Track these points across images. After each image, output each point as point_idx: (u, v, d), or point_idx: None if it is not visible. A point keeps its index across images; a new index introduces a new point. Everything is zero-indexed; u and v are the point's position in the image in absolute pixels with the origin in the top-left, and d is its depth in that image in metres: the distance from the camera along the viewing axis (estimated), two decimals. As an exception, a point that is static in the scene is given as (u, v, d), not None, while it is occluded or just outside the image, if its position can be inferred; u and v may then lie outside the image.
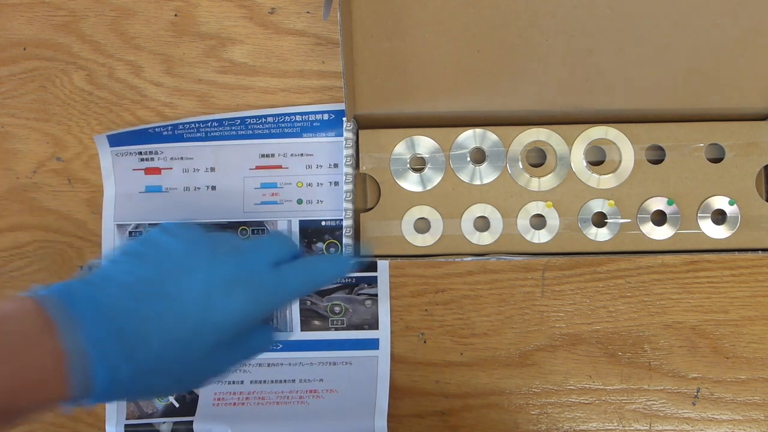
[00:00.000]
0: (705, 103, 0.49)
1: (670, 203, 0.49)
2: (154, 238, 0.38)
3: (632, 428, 0.54)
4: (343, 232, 0.48)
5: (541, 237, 0.49)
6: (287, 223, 0.54)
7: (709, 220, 0.49)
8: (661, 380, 0.54)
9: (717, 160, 0.49)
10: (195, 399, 0.54)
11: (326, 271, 0.42)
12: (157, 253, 0.37)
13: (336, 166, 0.54)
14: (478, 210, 0.50)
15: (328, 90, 0.55)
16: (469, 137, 0.50)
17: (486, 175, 0.50)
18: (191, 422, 0.54)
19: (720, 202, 0.49)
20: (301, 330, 0.55)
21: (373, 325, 0.54)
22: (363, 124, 0.51)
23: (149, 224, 0.55)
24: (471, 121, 0.50)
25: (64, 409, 0.33)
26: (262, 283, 0.38)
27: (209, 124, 0.55)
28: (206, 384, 0.39)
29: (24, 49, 0.56)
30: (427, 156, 0.50)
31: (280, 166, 0.55)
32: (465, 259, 0.49)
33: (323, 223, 0.54)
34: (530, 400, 0.55)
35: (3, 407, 0.31)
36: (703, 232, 0.49)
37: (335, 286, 0.54)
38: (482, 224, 0.50)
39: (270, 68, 0.56)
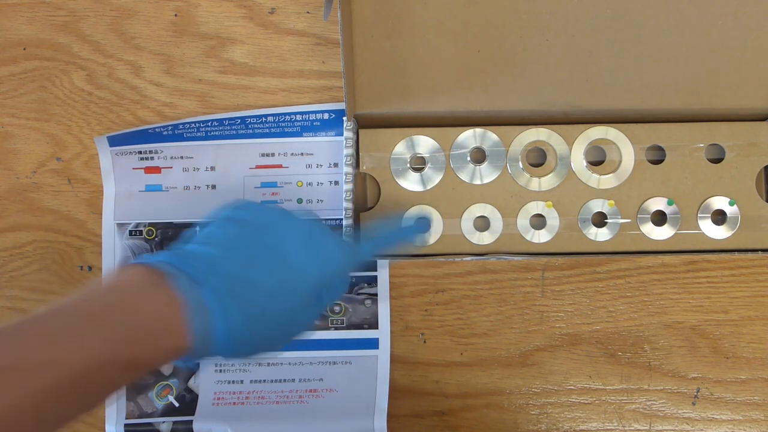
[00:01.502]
0: (705, 103, 0.49)
1: (670, 203, 0.49)
2: (242, 206, 0.40)
3: (632, 428, 0.54)
4: (343, 231, 0.48)
5: (541, 237, 0.49)
6: (287, 222, 0.54)
7: (709, 221, 0.49)
8: (661, 380, 0.54)
9: (717, 161, 0.49)
10: (195, 398, 0.54)
11: (402, 238, 0.48)
12: (253, 217, 0.39)
13: (336, 165, 0.54)
14: (478, 210, 0.50)
15: (328, 90, 0.55)
16: (469, 137, 0.50)
17: (486, 174, 0.50)
18: (191, 422, 0.54)
19: (720, 202, 0.49)
20: (301, 330, 0.54)
21: (373, 324, 0.54)
22: (363, 123, 0.51)
23: (149, 223, 0.55)
24: (471, 121, 0.50)
25: (182, 363, 0.34)
26: (353, 247, 0.43)
27: (209, 124, 0.55)
28: (302, 333, 0.41)
29: (24, 49, 0.56)
30: (427, 156, 0.50)
31: (280, 166, 0.55)
32: (465, 259, 0.49)
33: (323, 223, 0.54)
34: (530, 400, 0.54)
35: (127, 357, 0.32)
36: (703, 233, 0.49)
37: (335, 285, 0.54)
38: (482, 224, 0.50)
39: (270, 68, 0.56)
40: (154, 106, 0.56)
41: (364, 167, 0.50)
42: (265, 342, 0.38)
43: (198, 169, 0.55)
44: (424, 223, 0.49)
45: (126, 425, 0.54)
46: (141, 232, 0.55)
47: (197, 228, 0.38)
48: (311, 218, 0.41)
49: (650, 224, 0.49)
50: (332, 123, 0.55)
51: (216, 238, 0.37)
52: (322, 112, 0.55)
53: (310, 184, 0.54)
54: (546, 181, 0.50)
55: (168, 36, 0.56)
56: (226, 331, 0.34)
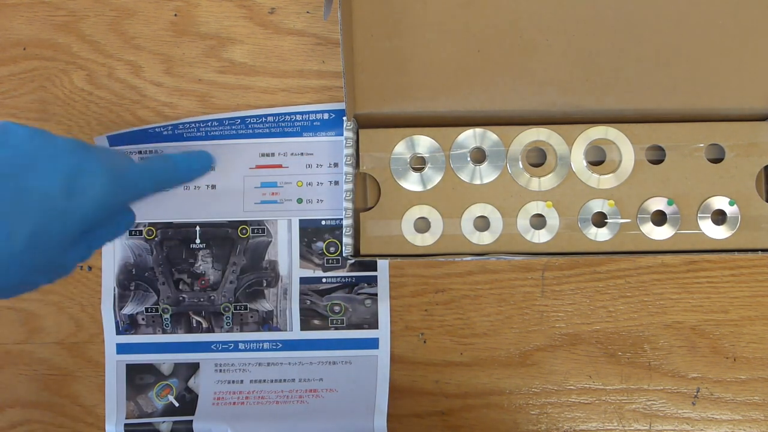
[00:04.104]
0: (705, 103, 0.49)
1: (670, 203, 0.49)
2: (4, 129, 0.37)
3: (632, 428, 0.54)
4: (343, 231, 0.48)
5: (541, 237, 0.49)
6: (287, 222, 0.54)
7: (709, 221, 0.49)
8: (661, 380, 0.54)
9: (717, 161, 0.49)
10: (195, 398, 0.54)
11: (185, 165, 0.47)
12: (9, 146, 0.36)
13: (336, 165, 0.54)
14: (478, 210, 0.50)
15: (328, 90, 0.55)
16: (469, 137, 0.50)
17: (486, 174, 0.50)
18: (191, 421, 0.54)
19: (720, 202, 0.49)
20: (301, 329, 0.55)
21: (373, 324, 0.54)
22: (363, 123, 0.51)
23: (149, 223, 0.55)
24: (471, 121, 0.50)
25: None
26: (123, 170, 0.40)
27: (209, 124, 0.55)
28: (73, 267, 0.40)
29: (24, 49, 0.56)
30: (427, 155, 0.50)
31: (280, 166, 0.55)
32: (465, 258, 0.49)
33: (323, 223, 0.54)
34: (530, 400, 0.54)
35: None
36: (703, 233, 0.49)
37: (335, 285, 0.54)
38: (482, 224, 0.50)
39: (270, 68, 0.56)
40: (154, 106, 0.56)
41: (364, 167, 0.50)
42: (32, 278, 0.37)
43: (198, 169, 0.55)
44: (204, 158, 0.49)
45: (126, 425, 0.54)
46: (141, 232, 0.55)
47: None
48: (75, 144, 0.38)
49: (650, 224, 0.49)
50: (332, 123, 0.55)
51: None
52: (322, 112, 0.55)
53: (310, 184, 0.55)
54: (546, 181, 0.50)
55: (168, 36, 0.56)
56: None
